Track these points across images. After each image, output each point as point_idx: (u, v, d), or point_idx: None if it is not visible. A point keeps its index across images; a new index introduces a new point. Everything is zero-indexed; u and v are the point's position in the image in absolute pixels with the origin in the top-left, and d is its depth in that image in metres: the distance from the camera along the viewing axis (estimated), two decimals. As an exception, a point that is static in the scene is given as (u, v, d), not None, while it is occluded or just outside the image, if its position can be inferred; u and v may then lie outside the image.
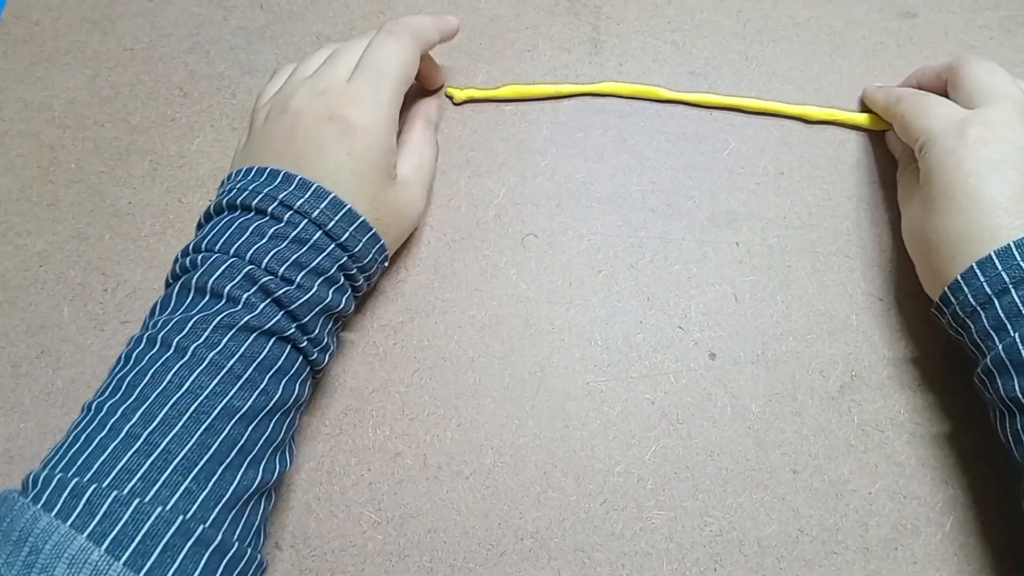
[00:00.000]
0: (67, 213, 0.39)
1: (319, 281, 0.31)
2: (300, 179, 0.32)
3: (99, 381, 0.35)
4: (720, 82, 0.42)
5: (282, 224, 0.31)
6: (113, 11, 0.45)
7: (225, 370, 0.28)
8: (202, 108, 0.42)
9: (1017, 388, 0.28)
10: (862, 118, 0.40)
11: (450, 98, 0.42)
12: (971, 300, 0.30)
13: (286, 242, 0.30)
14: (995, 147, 0.31)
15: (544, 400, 0.35)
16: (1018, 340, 0.28)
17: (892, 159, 0.40)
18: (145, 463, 0.25)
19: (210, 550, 0.25)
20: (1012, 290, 0.29)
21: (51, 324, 0.37)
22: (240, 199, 0.31)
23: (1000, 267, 0.29)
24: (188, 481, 0.26)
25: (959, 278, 0.31)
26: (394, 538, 0.33)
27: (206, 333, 0.28)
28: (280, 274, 0.30)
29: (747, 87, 0.42)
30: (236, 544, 0.27)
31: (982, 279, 0.30)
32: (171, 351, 0.28)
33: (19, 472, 0.34)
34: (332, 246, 0.31)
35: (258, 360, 0.29)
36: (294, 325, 0.30)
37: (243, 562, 0.27)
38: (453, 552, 0.33)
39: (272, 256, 0.30)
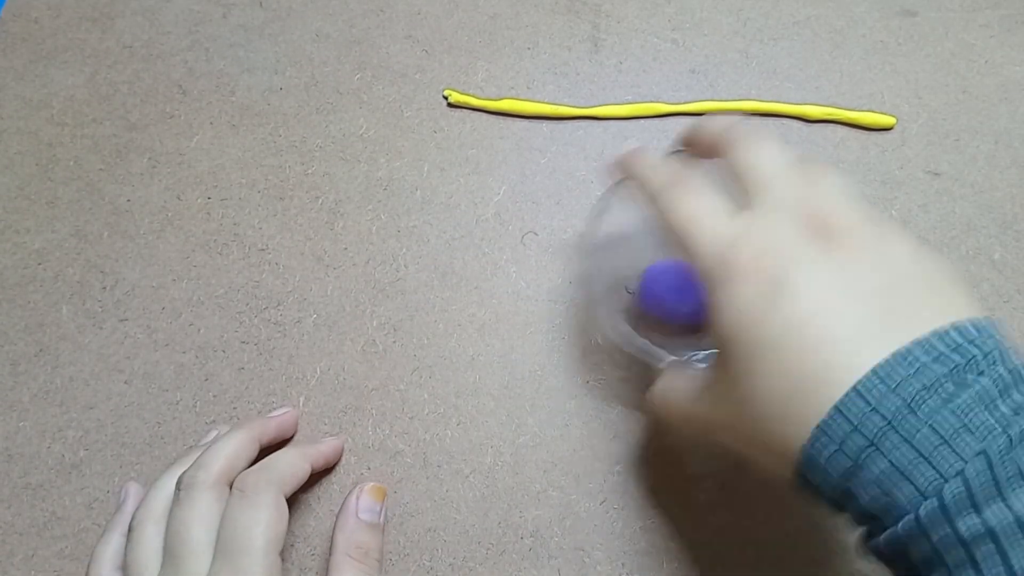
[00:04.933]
0: (66, 211, 0.39)
1: None
2: None
3: (98, 379, 0.36)
4: (720, 80, 0.42)
5: None
6: (112, 9, 0.45)
7: None
8: (201, 106, 0.42)
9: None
10: (862, 116, 0.40)
11: (446, 98, 0.42)
12: (858, 438, 0.21)
13: None
14: (774, 276, 0.23)
15: (544, 399, 0.35)
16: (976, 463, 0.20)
17: (892, 158, 0.40)
18: None
19: None
20: (921, 404, 0.20)
21: (50, 322, 0.37)
22: None
23: (871, 397, 0.21)
24: None
25: (822, 424, 0.21)
26: (394, 537, 0.33)
27: None
28: None
29: (747, 85, 0.42)
30: None
31: (858, 412, 0.21)
32: None
33: (18, 470, 0.34)
34: None
35: None
36: None
37: None
38: (453, 551, 0.33)
39: None
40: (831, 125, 0.41)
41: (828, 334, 0.22)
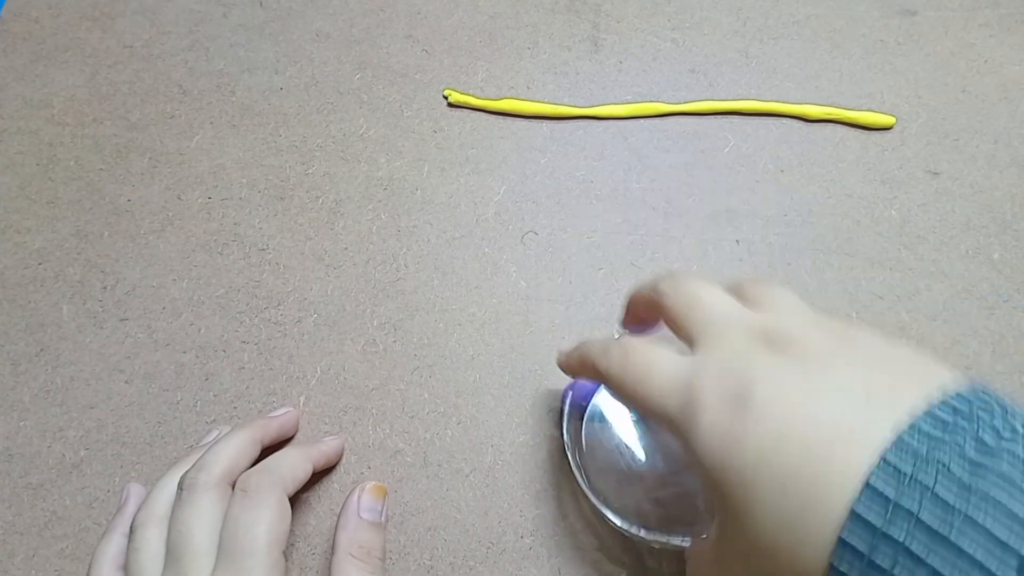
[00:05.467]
0: (66, 211, 0.39)
1: None
2: None
3: (98, 379, 0.36)
4: (720, 80, 0.42)
5: None
6: (113, 9, 0.45)
7: None
8: (201, 105, 0.42)
9: None
10: (862, 116, 0.40)
11: (446, 98, 0.42)
12: (887, 544, 0.18)
13: None
14: (738, 396, 0.21)
15: (544, 398, 0.35)
16: None
17: (892, 158, 0.40)
18: None
19: None
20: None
21: (50, 322, 0.37)
22: None
23: (889, 488, 0.18)
24: None
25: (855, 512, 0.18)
26: (394, 536, 0.33)
27: None
28: None
29: (747, 85, 0.42)
30: None
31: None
32: None
33: (19, 470, 0.34)
34: None
35: None
36: None
37: None
38: (453, 550, 0.33)
39: None
40: (831, 124, 0.41)
41: (813, 436, 0.19)
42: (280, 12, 0.44)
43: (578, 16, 0.44)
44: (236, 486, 0.29)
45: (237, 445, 0.30)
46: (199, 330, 0.37)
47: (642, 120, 0.41)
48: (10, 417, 0.35)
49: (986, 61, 0.42)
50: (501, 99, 0.41)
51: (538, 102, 0.41)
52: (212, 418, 0.35)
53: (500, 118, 0.41)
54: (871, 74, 0.42)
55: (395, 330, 0.37)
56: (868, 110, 0.41)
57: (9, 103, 0.42)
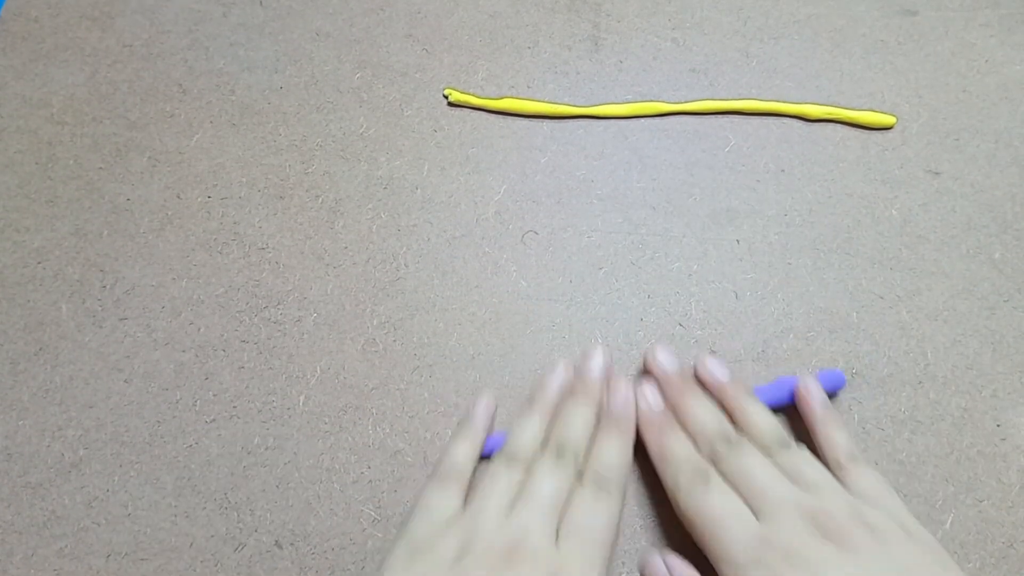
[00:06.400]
0: (65, 209, 0.39)
1: None
2: None
3: (97, 378, 0.36)
4: (720, 79, 0.42)
5: None
6: (112, 8, 0.45)
7: None
8: (201, 104, 0.42)
9: None
10: (862, 116, 0.40)
11: (446, 97, 0.42)
12: None
13: None
14: None
15: (544, 397, 0.35)
16: None
17: (893, 157, 0.40)
18: None
19: None
20: None
21: (49, 321, 0.37)
22: None
23: None
24: None
25: None
26: (395, 536, 0.33)
27: None
28: None
29: (747, 84, 0.42)
30: None
31: None
32: None
33: (18, 469, 0.34)
34: None
35: None
36: None
37: None
38: (453, 550, 0.32)
39: None
40: (831, 124, 0.41)
41: None
42: (280, 11, 0.44)
43: (578, 15, 0.44)
44: (592, 475, 0.31)
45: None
46: (198, 329, 0.37)
47: (643, 119, 0.41)
48: (9, 416, 0.35)
49: (987, 61, 0.42)
50: (501, 98, 0.41)
51: (538, 101, 0.41)
52: (212, 417, 0.35)
53: (500, 117, 0.41)
54: (872, 74, 0.42)
55: (395, 329, 0.37)
56: (869, 110, 0.41)
57: (8, 102, 0.42)
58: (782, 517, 0.28)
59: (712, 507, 0.29)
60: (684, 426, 0.32)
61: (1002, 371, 0.35)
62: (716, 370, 0.34)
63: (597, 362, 0.34)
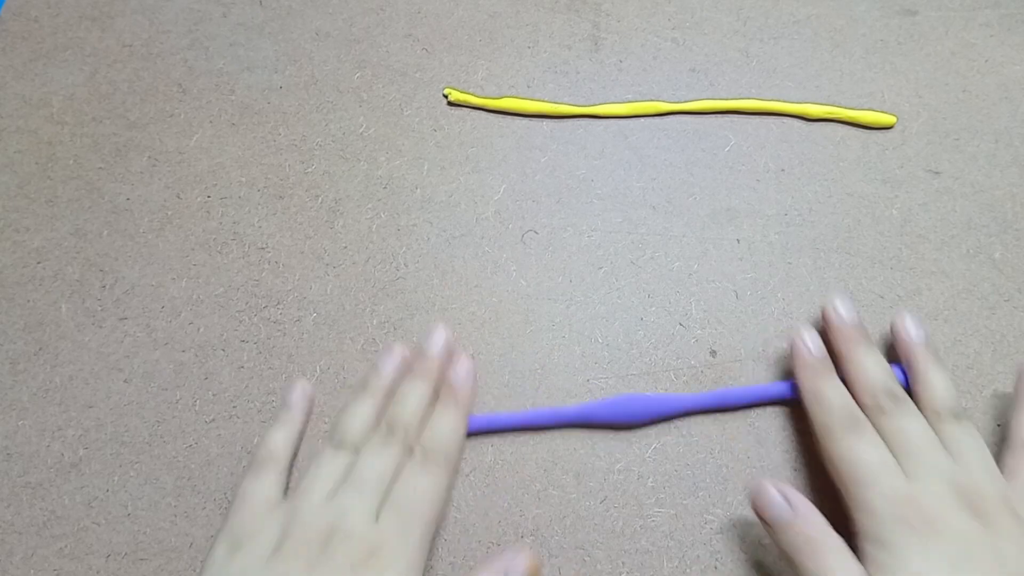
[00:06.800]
0: (65, 209, 0.39)
1: None
2: None
3: (97, 378, 0.36)
4: (720, 79, 0.42)
5: None
6: (112, 8, 0.45)
7: None
8: (201, 104, 0.42)
9: None
10: (863, 115, 0.40)
11: (446, 96, 0.42)
12: None
13: None
14: (954, 549, 0.26)
15: (544, 397, 0.35)
16: None
17: (893, 157, 0.40)
18: None
19: None
20: None
21: (49, 321, 0.37)
22: None
23: None
24: None
25: None
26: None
27: None
28: None
29: (747, 84, 0.42)
30: None
31: None
32: None
33: (17, 469, 0.34)
34: None
35: None
36: None
37: None
38: (453, 550, 0.32)
39: None
40: (831, 124, 0.41)
41: None
42: (279, 11, 0.44)
43: (578, 15, 0.44)
44: (419, 453, 0.30)
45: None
46: (198, 329, 0.37)
47: (642, 119, 0.41)
48: (9, 416, 0.35)
49: (987, 61, 0.42)
50: (501, 98, 0.41)
51: (538, 101, 0.41)
52: (211, 417, 0.35)
53: (500, 117, 0.41)
54: (872, 73, 0.42)
55: (395, 329, 0.37)
56: (869, 109, 0.41)
57: (8, 102, 0.42)
58: (932, 482, 0.28)
59: (862, 455, 0.29)
60: (848, 374, 0.32)
61: (1002, 371, 0.35)
62: (912, 328, 0.33)
63: (438, 338, 0.34)
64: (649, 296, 0.37)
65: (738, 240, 0.38)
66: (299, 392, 0.34)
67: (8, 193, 0.40)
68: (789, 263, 0.38)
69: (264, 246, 0.38)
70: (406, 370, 0.34)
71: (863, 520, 0.28)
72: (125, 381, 0.36)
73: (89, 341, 0.36)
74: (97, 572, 0.32)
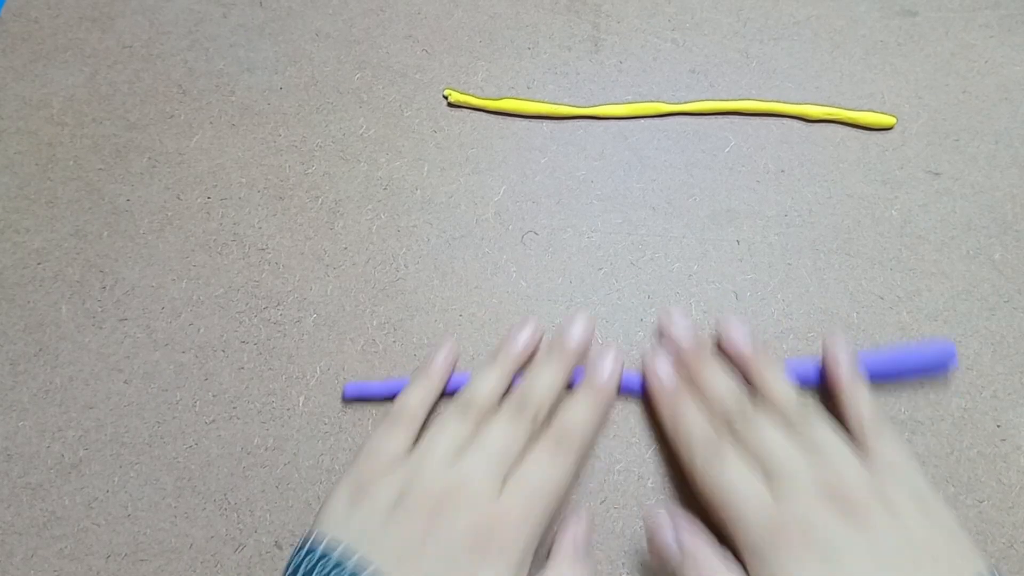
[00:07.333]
0: (65, 210, 0.39)
1: None
2: None
3: (97, 379, 0.36)
4: (720, 80, 0.42)
5: None
6: (112, 9, 0.45)
7: None
8: (201, 105, 0.42)
9: None
10: (862, 116, 0.40)
11: (446, 97, 0.42)
12: None
13: None
14: (824, 553, 0.26)
15: (544, 398, 0.35)
16: None
17: (893, 158, 0.40)
18: None
19: None
20: None
21: (49, 322, 0.37)
22: None
23: None
24: None
25: None
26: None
27: None
28: None
29: (747, 85, 0.42)
30: None
31: None
32: None
33: (17, 470, 0.34)
34: None
35: None
36: None
37: None
38: (453, 550, 0.32)
39: None
40: (831, 125, 0.41)
41: None
42: (280, 12, 0.44)
43: (578, 16, 0.44)
44: (547, 437, 0.30)
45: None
46: (198, 330, 0.37)
47: (642, 120, 0.41)
48: (9, 417, 0.35)
49: (987, 62, 0.42)
50: (501, 99, 0.41)
51: (538, 102, 0.41)
52: (211, 418, 0.35)
53: (500, 118, 0.41)
54: (871, 74, 0.42)
55: (395, 330, 0.37)
56: (869, 110, 0.41)
57: (8, 103, 0.42)
58: (797, 493, 0.27)
59: (726, 487, 0.29)
60: (701, 393, 0.32)
61: (1002, 371, 0.35)
62: (738, 339, 0.33)
63: (578, 329, 0.33)
64: (649, 297, 0.37)
65: (738, 241, 0.38)
66: (443, 354, 0.34)
67: (8, 194, 0.40)
68: (789, 264, 0.38)
69: (264, 247, 0.38)
70: (536, 347, 0.34)
71: (740, 540, 0.28)
72: (125, 382, 0.36)
73: (89, 342, 0.36)
74: (97, 573, 0.32)
